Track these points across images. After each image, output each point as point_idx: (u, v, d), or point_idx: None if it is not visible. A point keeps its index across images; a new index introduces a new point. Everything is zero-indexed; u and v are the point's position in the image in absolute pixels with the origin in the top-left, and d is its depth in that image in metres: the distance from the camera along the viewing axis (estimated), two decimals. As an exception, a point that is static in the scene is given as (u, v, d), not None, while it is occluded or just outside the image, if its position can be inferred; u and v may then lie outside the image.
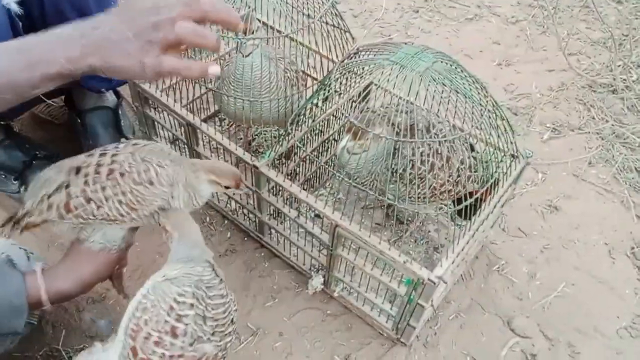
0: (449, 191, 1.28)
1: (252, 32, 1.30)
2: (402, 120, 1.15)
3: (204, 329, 0.92)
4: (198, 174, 1.09)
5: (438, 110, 1.15)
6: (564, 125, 1.92)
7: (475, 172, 1.28)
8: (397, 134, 1.14)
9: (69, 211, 1.01)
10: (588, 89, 2.04)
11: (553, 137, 1.88)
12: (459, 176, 1.26)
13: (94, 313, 1.37)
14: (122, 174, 1.00)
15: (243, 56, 1.32)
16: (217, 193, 1.53)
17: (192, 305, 0.92)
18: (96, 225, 1.05)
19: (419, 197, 1.26)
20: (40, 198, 1.03)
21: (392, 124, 1.16)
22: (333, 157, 1.59)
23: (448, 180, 1.25)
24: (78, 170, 1.01)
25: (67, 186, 1.01)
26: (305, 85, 1.51)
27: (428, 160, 1.22)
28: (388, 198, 1.21)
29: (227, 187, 1.12)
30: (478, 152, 1.31)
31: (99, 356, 0.96)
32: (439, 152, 1.23)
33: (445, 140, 1.22)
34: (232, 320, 0.99)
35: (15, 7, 1.17)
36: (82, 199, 1.00)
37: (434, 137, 1.22)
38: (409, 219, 1.56)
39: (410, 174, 1.21)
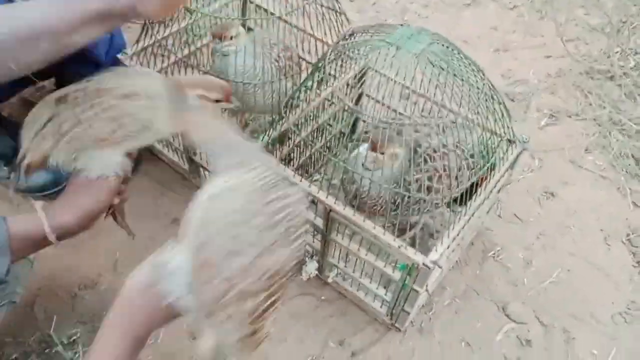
0: (448, 196, 1.26)
1: (231, 38, 1.32)
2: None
3: (270, 236, 0.80)
4: (184, 90, 1.05)
5: (434, 94, 1.14)
6: (561, 111, 1.90)
7: (473, 169, 1.26)
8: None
9: (62, 135, 1.00)
10: (586, 76, 2.03)
11: (550, 124, 1.86)
12: (459, 182, 1.24)
13: (87, 299, 1.36)
14: (107, 90, 1.01)
15: (222, 55, 1.34)
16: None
17: (249, 218, 0.80)
18: (90, 152, 1.03)
19: (420, 210, 1.26)
20: (34, 134, 1.02)
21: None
22: (331, 140, 1.58)
23: (447, 192, 1.22)
24: (63, 98, 1.02)
25: (56, 115, 1.01)
26: (300, 70, 1.49)
27: (423, 185, 1.20)
28: (399, 222, 1.20)
29: (217, 101, 1.09)
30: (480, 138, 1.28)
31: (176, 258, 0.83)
32: (435, 168, 1.21)
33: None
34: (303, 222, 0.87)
35: None
36: (73, 120, 1.00)
37: (424, 154, 1.20)
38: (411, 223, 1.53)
39: (408, 198, 1.19)
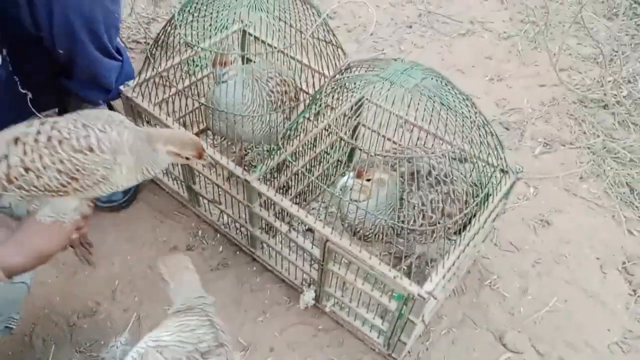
0: (457, 222, 1.28)
1: (230, 64, 1.34)
2: (406, 169, 1.18)
3: None
4: (155, 146, 1.03)
5: (429, 124, 1.16)
6: (555, 140, 1.93)
7: (475, 197, 1.28)
8: (402, 183, 1.16)
9: (10, 182, 0.97)
10: (579, 104, 2.06)
11: (544, 152, 1.89)
12: (467, 206, 1.26)
13: (85, 328, 1.37)
14: (60, 141, 0.96)
15: (216, 83, 1.36)
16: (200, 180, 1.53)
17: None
18: (42, 197, 1.00)
19: (433, 240, 1.27)
20: None
21: (395, 171, 1.19)
22: (328, 169, 1.60)
23: (459, 217, 1.24)
24: (17, 140, 0.97)
25: (7, 156, 0.96)
26: (297, 101, 1.52)
27: (438, 207, 1.22)
28: (395, 251, 1.20)
29: (187, 158, 1.08)
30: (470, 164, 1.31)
31: None
32: (447, 192, 1.23)
33: (447, 181, 1.23)
34: None
35: None
36: (21, 168, 0.96)
37: (437, 179, 1.23)
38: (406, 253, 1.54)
39: (421, 225, 1.21)
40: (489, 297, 1.48)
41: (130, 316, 1.38)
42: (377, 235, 1.25)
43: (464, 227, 1.24)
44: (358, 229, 1.23)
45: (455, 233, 1.28)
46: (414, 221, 1.20)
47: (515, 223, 1.66)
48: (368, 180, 1.16)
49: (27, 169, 0.96)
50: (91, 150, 0.97)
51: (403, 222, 1.18)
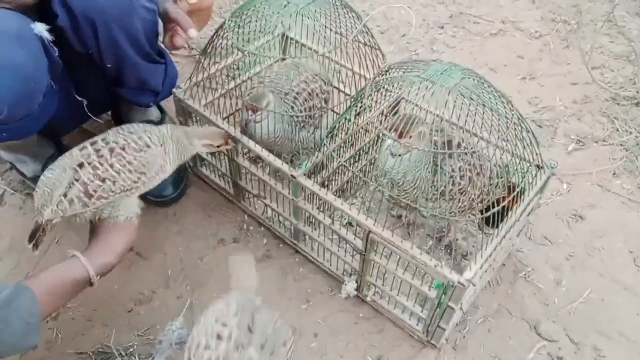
0: (482, 200, 1.34)
1: (261, 110, 1.45)
2: (439, 139, 1.27)
3: (250, 340, 0.98)
4: (193, 141, 1.34)
5: (465, 122, 1.22)
6: (588, 137, 1.96)
7: (500, 178, 1.35)
8: (436, 150, 1.25)
9: (90, 197, 1.17)
10: (612, 102, 2.09)
11: (577, 149, 1.93)
12: (490, 184, 1.33)
13: (142, 314, 1.47)
14: (122, 148, 1.19)
15: (254, 122, 1.47)
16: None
17: (236, 313, 1.01)
18: (115, 202, 1.21)
19: (459, 211, 1.34)
20: (57, 200, 1.17)
21: (430, 142, 1.26)
22: (366, 165, 1.67)
23: (483, 190, 1.31)
24: (81, 165, 1.18)
25: (77, 179, 1.16)
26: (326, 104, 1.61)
27: (466, 175, 1.30)
28: (423, 215, 1.29)
29: (218, 146, 1.40)
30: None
31: None
32: (473, 164, 1.31)
33: (476, 153, 1.31)
34: (283, 343, 1.04)
35: (46, 35, 1.27)
36: (98, 181, 1.17)
37: (465, 151, 1.30)
38: (443, 231, 1.62)
39: (451, 190, 1.29)
40: (523, 289, 1.53)
41: (183, 302, 1.48)
42: (417, 189, 1.31)
43: (499, 220, 1.29)
44: (400, 183, 1.29)
45: (491, 227, 1.33)
46: (445, 186, 1.28)
47: (549, 218, 1.71)
48: (410, 137, 1.23)
49: (103, 180, 1.17)
50: (148, 146, 1.23)
51: (437, 187, 1.28)
